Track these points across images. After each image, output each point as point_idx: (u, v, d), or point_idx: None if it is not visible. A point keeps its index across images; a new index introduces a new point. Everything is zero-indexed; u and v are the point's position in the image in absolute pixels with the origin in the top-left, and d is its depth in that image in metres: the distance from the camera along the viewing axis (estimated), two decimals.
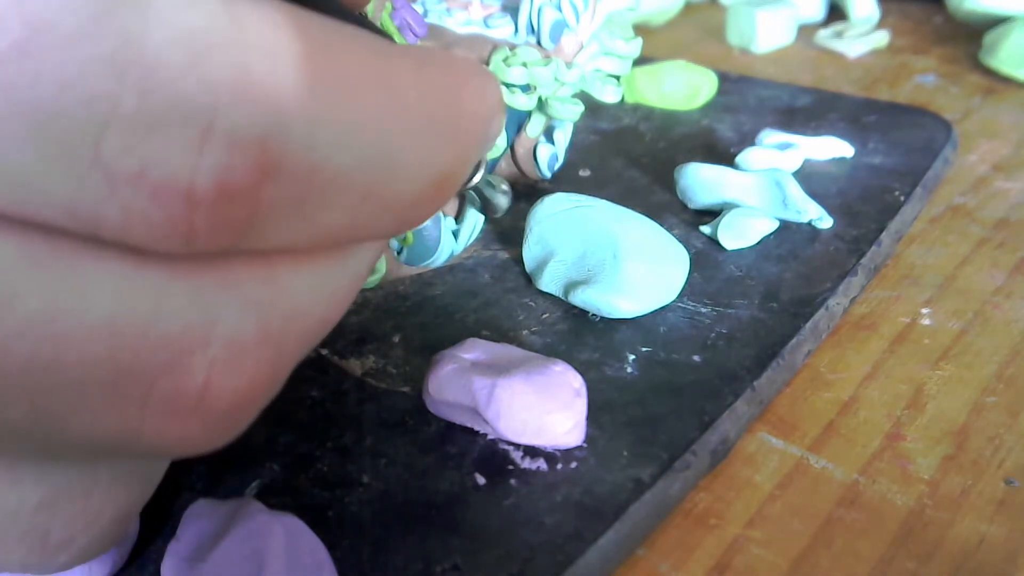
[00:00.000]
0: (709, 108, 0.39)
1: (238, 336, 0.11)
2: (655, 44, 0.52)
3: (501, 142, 0.28)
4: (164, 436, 0.11)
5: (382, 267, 0.26)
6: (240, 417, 0.11)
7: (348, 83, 0.10)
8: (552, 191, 0.27)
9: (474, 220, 0.27)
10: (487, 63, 0.28)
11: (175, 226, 0.09)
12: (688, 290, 0.25)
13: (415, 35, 0.26)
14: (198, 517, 0.17)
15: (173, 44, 0.09)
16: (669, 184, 0.32)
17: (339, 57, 0.10)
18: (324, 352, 0.24)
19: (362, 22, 0.13)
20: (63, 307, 0.10)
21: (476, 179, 0.22)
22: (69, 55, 0.09)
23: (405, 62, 0.11)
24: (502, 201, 0.26)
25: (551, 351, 0.23)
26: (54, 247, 0.10)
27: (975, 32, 0.48)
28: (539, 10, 0.29)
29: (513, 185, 0.32)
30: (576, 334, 0.24)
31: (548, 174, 0.32)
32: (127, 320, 0.10)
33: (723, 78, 0.41)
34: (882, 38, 0.49)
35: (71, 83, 0.09)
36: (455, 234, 0.27)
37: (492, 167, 0.29)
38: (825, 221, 0.28)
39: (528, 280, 0.27)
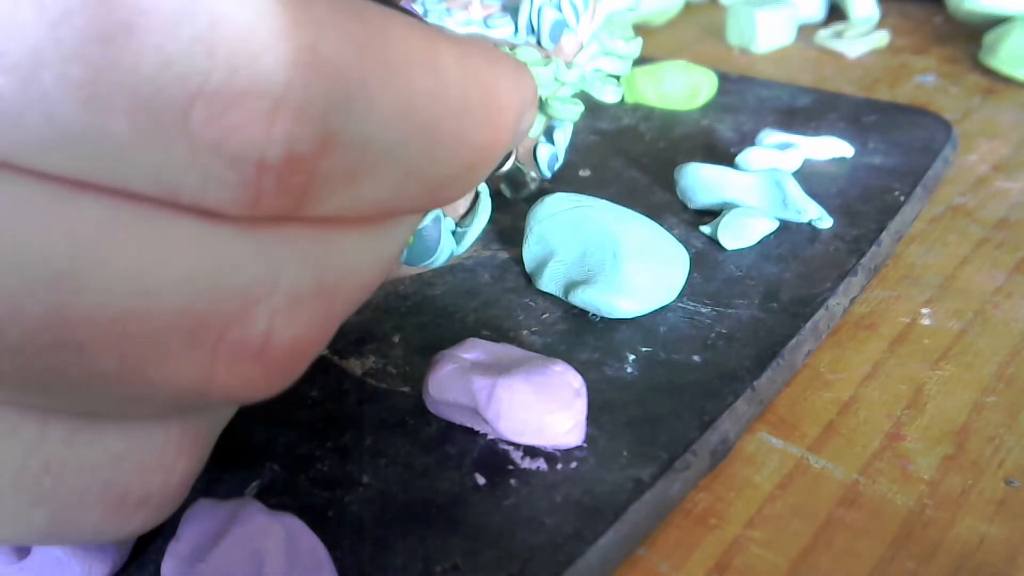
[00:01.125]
0: (709, 108, 0.39)
1: (297, 288, 0.12)
2: (655, 44, 0.52)
3: None
4: (231, 381, 0.12)
5: None
6: (296, 364, 0.12)
7: (402, 64, 0.11)
8: (552, 191, 0.27)
9: (480, 223, 0.27)
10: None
11: (246, 191, 0.10)
12: (688, 290, 0.25)
13: None
14: (198, 517, 0.17)
15: (255, 24, 0.10)
16: (669, 184, 0.32)
17: (394, 40, 0.11)
18: (324, 352, 0.24)
19: (404, 9, 0.14)
20: (149, 263, 0.11)
21: (507, 167, 0.23)
22: (170, 35, 0.09)
23: (450, 49, 0.12)
24: (532, 185, 0.27)
25: (551, 351, 0.23)
26: (138, 209, 0.10)
27: (975, 32, 0.48)
28: (539, 10, 0.29)
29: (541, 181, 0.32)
30: (576, 334, 0.24)
31: (548, 174, 0.32)
32: (202, 273, 0.11)
33: (723, 78, 0.41)
34: (882, 38, 0.49)
35: (170, 61, 0.09)
36: (455, 235, 0.27)
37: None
38: (825, 221, 0.28)
39: (528, 280, 0.27)
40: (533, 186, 0.27)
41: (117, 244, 0.10)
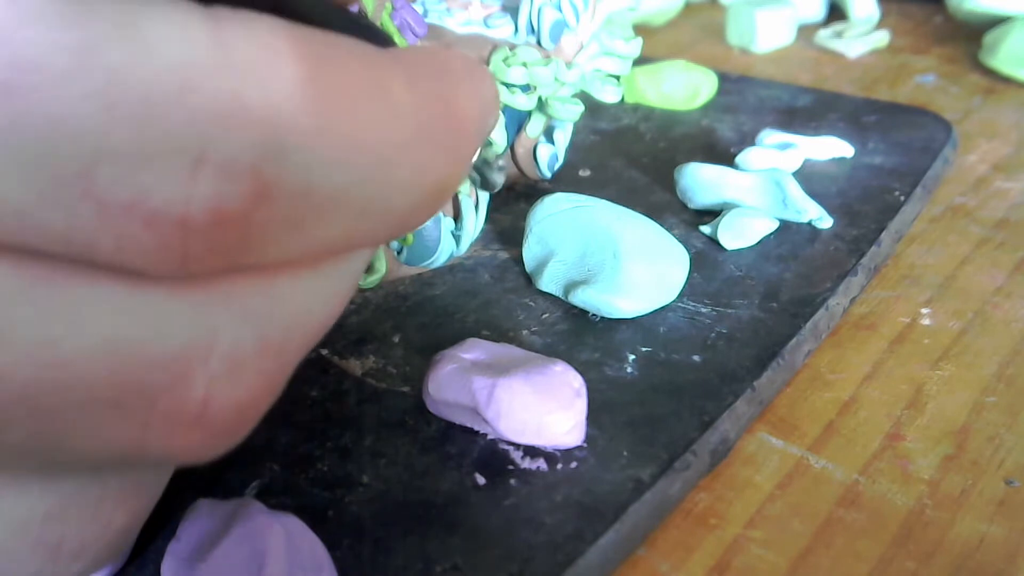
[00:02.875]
0: (709, 108, 0.39)
1: (237, 350, 0.11)
2: (655, 44, 0.52)
3: (501, 142, 0.28)
4: (166, 448, 0.11)
5: (382, 267, 0.26)
6: (241, 426, 0.11)
7: (342, 102, 0.10)
8: (552, 191, 0.27)
9: (474, 223, 0.27)
10: (487, 63, 0.28)
11: (169, 252, 0.09)
12: (688, 290, 0.25)
13: (415, 35, 0.26)
14: (198, 517, 0.17)
15: (162, 76, 0.09)
16: (669, 184, 0.32)
17: (332, 75, 0.10)
18: (324, 352, 0.24)
19: (353, 20, 0.13)
20: (62, 332, 0.10)
21: (473, 158, 0.23)
22: (58, 93, 0.08)
23: (397, 72, 0.11)
24: (498, 178, 0.26)
25: (551, 351, 0.23)
26: (50, 273, 0.10)
27: (975, 32, 0.48)
28: (539, 10, 0.29)
29: (513, 185, 0.32)
30: (576, 334, 0.24)
31: (548, 174, 0.32)
32: (126, 340, 0.10)
33: (723, 78, 0.41)
34: (882, 38, 0.49)
35: (61, 120, 0.09)
36: (455, 236, 0.27)
37: None
38: (825, 221, 0.28)
39: (528, 280, 0.27)
40: (500, 177, 0.26)
41: (24, 310, 0.09)
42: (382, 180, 0.11)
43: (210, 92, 0.09)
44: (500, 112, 0.28)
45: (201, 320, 0.10)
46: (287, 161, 0.10)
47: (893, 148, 0.34)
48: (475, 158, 0.23)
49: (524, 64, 0.28)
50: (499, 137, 0.27)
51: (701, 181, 0.30)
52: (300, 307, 0.12)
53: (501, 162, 0.26)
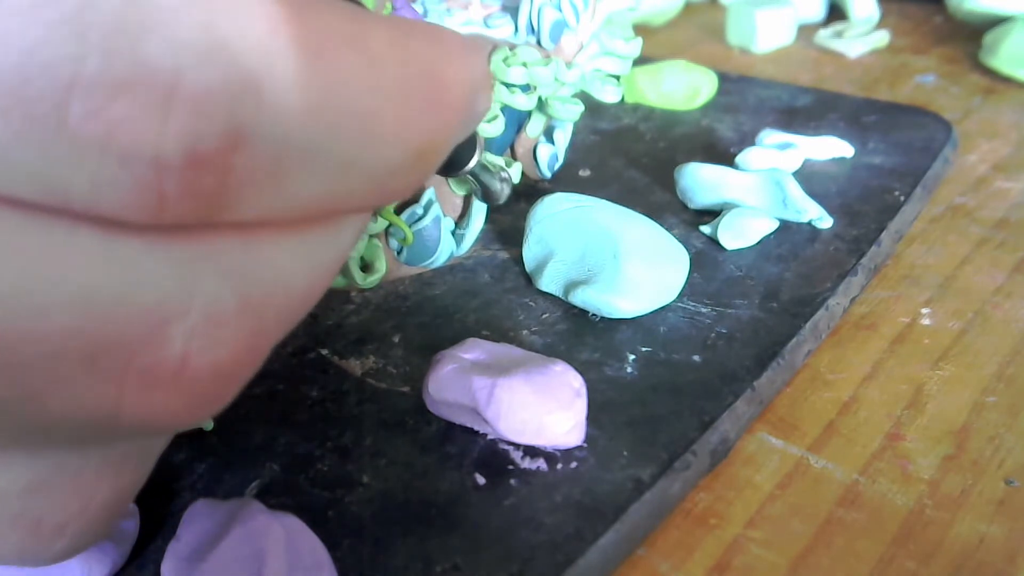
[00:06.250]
0: (709, 108, 0.39)
1: (217, 307, 0.11)
2: (655, 44, 0.52)
3: (498, 130, 0.28)
4: (144, 411, 0.11)
5: (382, 267, 0.26)
6: (222, 391, 0.11)
7: (321, 47, 0.10)
8: (552, 191, 0.27)
9: (478, 223, 0.27)
10: (487, 63, 0.28)
11: (145, 194, 0.09)
12: (688, 290, 0.25)
13: None
14: (198, 517, 0.17)
15: (134, 4, 0.09)
16: (669, 184, 0.32)
17: (312, 19, 0.10)
18: (324, 352, 0.24)
19: None
20: (36, 279, 0.09)
21: (472, 163, 0.22)
22: (30, 20, 0.08)
23: (381, 28, 0.11)
24: (500, 188, 0.25)
25: (551, 351, 0.23)
26: (25, 220, 0.09)
27: (975, 32, 0.48)
28: (539, 10, 0.29)
29: (513, 185, 0.32)
30: (576, 334, 0.24)
31: (548, 174, 0.32)
32: (102, 291, 0.10)
33: (723, 78, 0.41)
34: (882, 38, 0.49)
35: (33, 48, 0.08)
36: (455, 235, 0.27)
37: None
38: (825, 221, 0.28)
39: (528, 280, 0.27)
40: (505, 189, 0.25)
41: None
42: (363, 133, 0.11)
43: (184, 23, 0.09)
44: (496, 106, 0.28)
45: (180, 274, 0.10)
46: (263, 103, 0.09)
47: (893, 148, 0.34)
48: (475, 163, 0.22)
49: (524, 64, 0.28)
50: (498, 129, 0.27)
51: (701, 181, 0.30)
52: (283, 272, 0.11)
53: (505, 173, 0.25)
